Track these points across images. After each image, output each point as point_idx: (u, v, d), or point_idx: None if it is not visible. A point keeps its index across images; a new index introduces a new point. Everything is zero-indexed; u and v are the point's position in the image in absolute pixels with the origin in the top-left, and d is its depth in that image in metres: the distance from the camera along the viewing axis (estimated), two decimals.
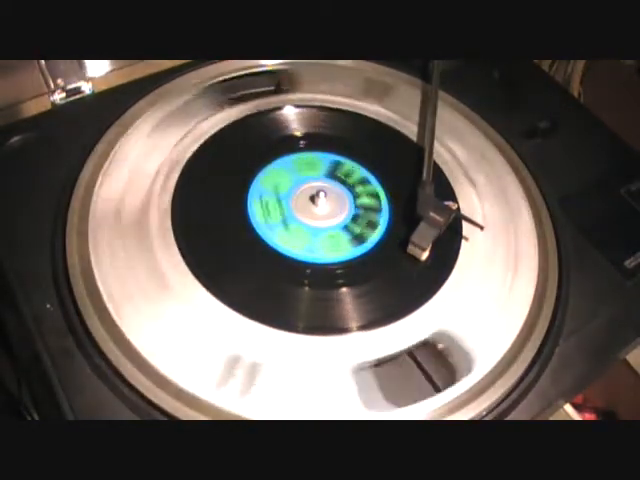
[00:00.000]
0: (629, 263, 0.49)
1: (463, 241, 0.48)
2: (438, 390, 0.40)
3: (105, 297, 0.41)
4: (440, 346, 0.42)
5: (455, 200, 0.50)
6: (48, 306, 0.42)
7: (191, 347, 0.40)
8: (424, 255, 0.46)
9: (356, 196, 0.50)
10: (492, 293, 0.45)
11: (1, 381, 0.54)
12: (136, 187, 0.48)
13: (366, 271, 0.46)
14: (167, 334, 0.41)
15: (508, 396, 0.41)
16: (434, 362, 0.42)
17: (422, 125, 0.56)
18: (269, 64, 0.58)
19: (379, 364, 0.41)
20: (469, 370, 0.41)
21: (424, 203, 0.47)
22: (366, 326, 0.43)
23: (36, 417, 0.50)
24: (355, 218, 0.49)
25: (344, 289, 0.45)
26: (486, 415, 0.40)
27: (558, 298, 0.46)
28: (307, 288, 0.45)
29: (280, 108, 0.56)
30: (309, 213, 0.49)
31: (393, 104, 0.57)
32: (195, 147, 0.51)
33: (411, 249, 0.46)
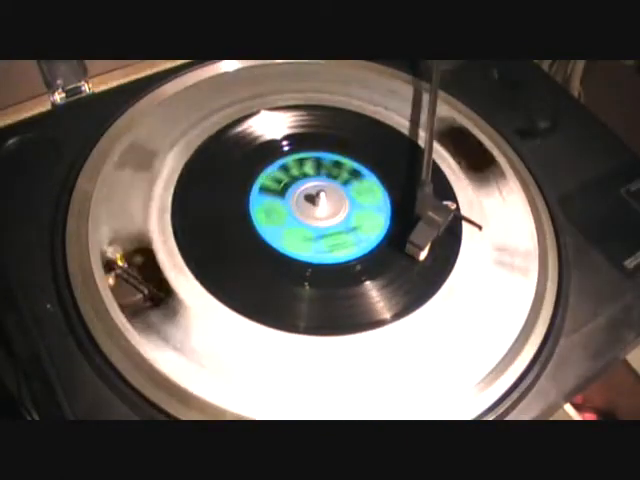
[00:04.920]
0: (629, 263, 0.49)
1: (462, 241, 0.48)
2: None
3: (105, 297, 0.41)
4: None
5: (454, 200, 0.50)
6: (48, 306, 0.42)
7: (191, 347, 0.40)
8: (422, 255, 0.46)
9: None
10: (492, 293, 0.45)
11: (1, 381, 0.54)
12: (136, 187, 0.48)
13: (366, 271, 0.46)
14: (167, 334, 0.41)
15: (508, 396, 0.41)
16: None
17: (422, 125, 0.56)
18: (270, 63, 0.58)
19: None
20: (469, 370, 0.41)
21: (423, 203, 0.47)
22: (366, 326, 0.43)
23: (36, 417, 0.50)
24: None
25: (344, 289, 0.45)
26: (486, 415, 0.40)
27: (558, 298, 0.46)
28: (307, 288, 0.45)
29: (281, 107, 0.56)
30: (309, 213, 0.49)
31: (393, 104, 0.57)
32: (195, 147, 0.51)
33: (409, 249, 0.46)
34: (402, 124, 0.56)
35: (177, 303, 0.42)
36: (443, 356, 0.42)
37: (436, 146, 0.53)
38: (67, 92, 0.55)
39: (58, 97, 0.55)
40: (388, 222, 0.49)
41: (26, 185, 0.48)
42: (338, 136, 0.55)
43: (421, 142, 0.54)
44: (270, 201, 0.49)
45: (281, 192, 0.50)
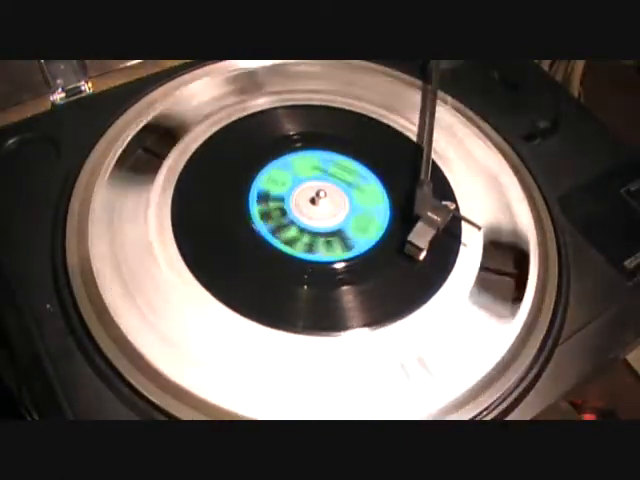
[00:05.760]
0: (629, 263, 0.49)
1: (462, 241, 0.48)
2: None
3: (105, 297, 0.41)
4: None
5: (454, 200, 0.50)
6: (48, 306, 0.42)
7: (191, 347, 0.40)
8: (422, 255, 0.46)
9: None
10: (491, 293, 0.45)
11: (1, 381, 0.54)
12: (136, 187, 0.48)
13: (366, 271, 0.46)
14: (167, 334, 0.41)
15: (508, 396, 0.41)
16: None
17: (422, 125, 0.56)
18: (270, 63, 0.58)
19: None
20: (469, 370, 0.41)
21: (422, 203, 0.47)
22: (366, 326, 0.43)
23: (36, 417, 0.50)
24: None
25: (344, 289, 0.45)
26: (486, 415, 0.40)
27: (558, 298, 0.46)
28: (307, 288, 0.45)
29: (281, 107, 0.56)
30: (309, 213, 0.49)
31: (393, 104, 0.57)
32: (195, 146, 0.51)
33: (408, 249, 0.46)
34: (402, 124, 0.56)
35: (177, 303, 0.42)
36: (443, 356, 0.42)
37: (435, 146, 0.53)
38: (67, 92, 0.55)
39: (58, 97, 0.55)
40: (388, 222, 0.49)
41: (26, 185, 0.48)
42: (338, 136, 0.55)
43: (421, 141, 0.54)
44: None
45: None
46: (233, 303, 0.42)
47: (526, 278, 0.46)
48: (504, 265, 0.47)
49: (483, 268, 0.47)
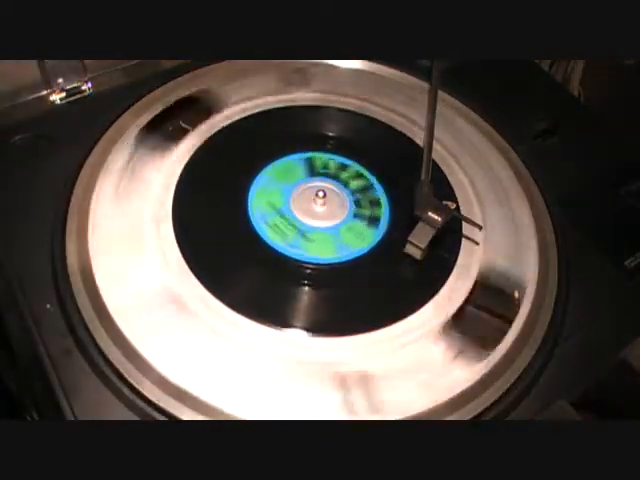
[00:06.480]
0: (629, 263, 0.49)
1: (462, 241, 0.48)
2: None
3: (105, 297, 0.41)
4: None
5: (454, 200, 0.50)
6: (48, 306, 0.42)
7: (191, 347, 0.40)
8: (422, 255, 0.46)
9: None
10: (491, 292, 0.45)
11: (1, 381, 0.54)
12: (136, 187, 0.48)
13: (366, 271, 0.46)
14: (167, 334, 0.41)
15: (508, 396, 0.41)
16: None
17: (422, 125, 0.56)
18: (270, 63, 0.58)
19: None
20: (469, 370, 0.41)
21: (422, 203, 0.47)
22: (366, 326, 0.43)
23: (36, 417, 0.50)
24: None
25: (344, 289, 0.45)
26: (486, 415, 0.40)
27: (558, 298, 0.46)
28: (307, 288, 0.45)
29: (281, 108, 0.56)
30: (309, 213, 0.49)
31: (393, 104, 0.57)
32: (196, 147, 0.51)
33: (409, 249, 0.46)
34: (402, 124, 0.56)
35: (177, 303, 0.42)
36: (443, 356, 0.42)
37: (436, 146, 0.53)
38: (67, 92, 0.55)
39: (58, 97, 0.55)
40: (388, 222, 0.49)
41: (26, 185, 0.48)
42: (338, 136, 0.55)
43: (421, 142, 0.54)
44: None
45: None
46: (233, 303, 0.42)
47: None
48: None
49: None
